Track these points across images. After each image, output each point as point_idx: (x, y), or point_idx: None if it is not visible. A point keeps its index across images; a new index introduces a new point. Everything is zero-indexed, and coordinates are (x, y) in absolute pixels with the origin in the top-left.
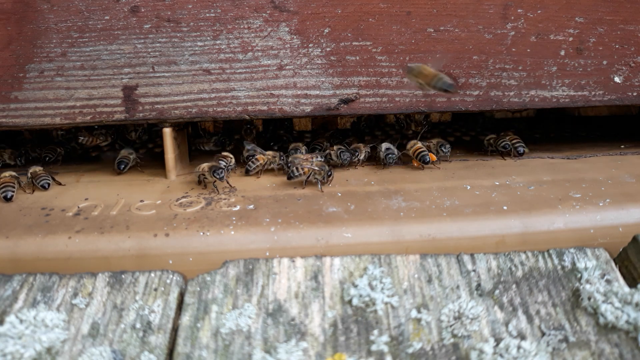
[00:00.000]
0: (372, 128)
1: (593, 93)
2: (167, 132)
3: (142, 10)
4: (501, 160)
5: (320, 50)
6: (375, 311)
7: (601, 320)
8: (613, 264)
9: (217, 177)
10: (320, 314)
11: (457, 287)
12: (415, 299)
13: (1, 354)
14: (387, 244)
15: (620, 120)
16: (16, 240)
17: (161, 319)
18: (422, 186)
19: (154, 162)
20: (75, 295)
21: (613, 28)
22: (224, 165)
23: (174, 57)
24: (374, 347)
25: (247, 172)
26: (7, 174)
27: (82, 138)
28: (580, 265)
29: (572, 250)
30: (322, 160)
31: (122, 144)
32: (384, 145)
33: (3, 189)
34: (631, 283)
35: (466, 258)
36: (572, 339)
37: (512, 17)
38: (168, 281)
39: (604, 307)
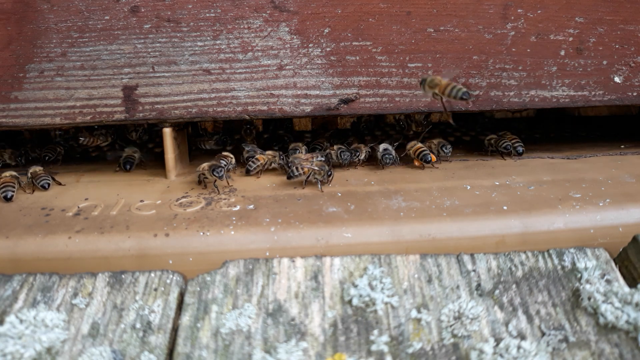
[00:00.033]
0: (372, 129)
1: (593, 93)
2: (167, 132)
3: (142, 10)
4: (501, 160)
5: (320, 50)
6: (375, 311)
7: (601, 320)
8: (613, 264)
9: (217, 175)
10: (320, 314)
11: (457, 287)
12: (415, 299)
13: (1, 354)
14: (387, 244)
15: (620, 120)
16: (16, 240)
17: (161, 319)
18: (422, 186)
19: (154, 162)
20: (75, 295)
21: (613, 28)
22: (224, 165)
23: (174, 57)
24: (374, 347)
25: (248, 172)
26: (7, 174)
27: (82, 138)
28: (580, 265)
29: (572, 250)
30: (323, 160)
31: (123, 145)
32: (382, 146)
33: (3, 189)
34: (631, 283)
35: (466, 258)
36: (572, 339)
37: (512, 17)
38: (168, 281)
39: (604, 307)
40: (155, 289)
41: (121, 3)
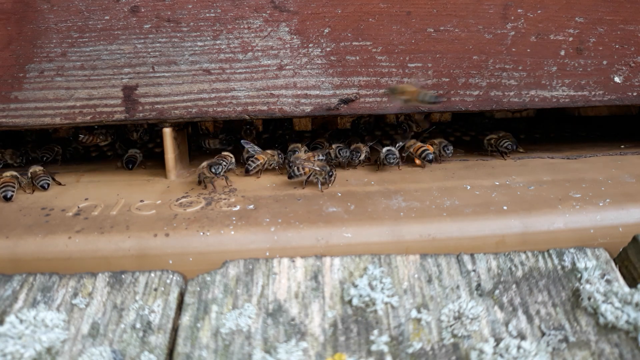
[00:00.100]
0: (371, 130)
1: (593, 93)
2: (167, 132)
3: (142, 10)
4: (501, 160)
5: (320, 50)
6: (375, 311)
7: (601, 320)
8: (613, 264)
9: (214, 172)
10: (320, 314)
11: (457, 287)
12: (415, 299)
13: (1, 354)
14: (387, 244)
15: (620, 120)
16: (16, 240)
17: (161, 319)
18: (422, 186)
19: (154, 162)
20: (75, 295)
21: (613, 28)
22: (224, 164)
23: (174, 57)
24: (374, 347)
25: (247, 172)
26: (8, 174)
27: (82, 136)
28: (580, 265)
29: (572, 250)
30: (324, 160)
31: (123, 146)
32: (385, 148)
33: (3, 189)
34: (631, 283)
35: (466, 258)
36: (572, 339)
37: (512, 17)
38: (168, 281)
39: (604, 307)
40: (155, 289)
41: (121, 3)
